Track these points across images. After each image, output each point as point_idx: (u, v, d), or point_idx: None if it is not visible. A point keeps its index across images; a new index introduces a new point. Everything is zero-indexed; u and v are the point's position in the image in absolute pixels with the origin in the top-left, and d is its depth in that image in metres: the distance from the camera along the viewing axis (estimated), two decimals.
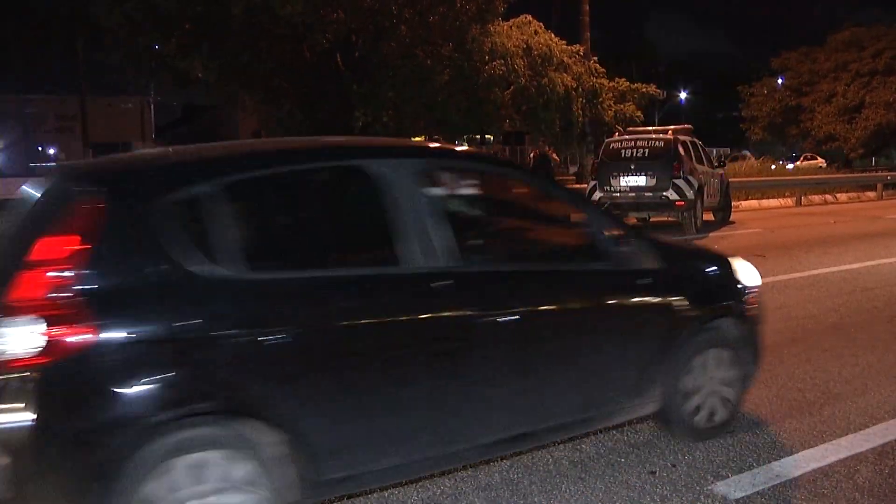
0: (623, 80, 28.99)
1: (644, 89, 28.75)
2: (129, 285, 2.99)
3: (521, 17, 24.42)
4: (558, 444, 4.44)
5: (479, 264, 3.87)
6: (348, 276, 3.50)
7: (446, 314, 3.59)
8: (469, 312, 3.63)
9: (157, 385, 2.93)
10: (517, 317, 3.77)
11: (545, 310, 3.95)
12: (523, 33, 23.51)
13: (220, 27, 17.50)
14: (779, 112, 44.60)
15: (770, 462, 4.16)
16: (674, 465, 4.15)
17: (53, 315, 2.81)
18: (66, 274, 2.87)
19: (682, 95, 52.76)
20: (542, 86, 22.95)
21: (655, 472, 4.07)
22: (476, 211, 4.46)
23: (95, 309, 2.87)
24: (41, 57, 39.84)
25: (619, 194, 15.69)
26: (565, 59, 24.71)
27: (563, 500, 3.78)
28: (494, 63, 20.61)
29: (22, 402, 2.81)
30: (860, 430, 4.61)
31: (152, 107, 45.47)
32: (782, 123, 44.93)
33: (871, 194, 27.16)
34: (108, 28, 17.97)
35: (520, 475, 4.05)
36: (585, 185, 17.71)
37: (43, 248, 2.95)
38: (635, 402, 4.23)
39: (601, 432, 4.58)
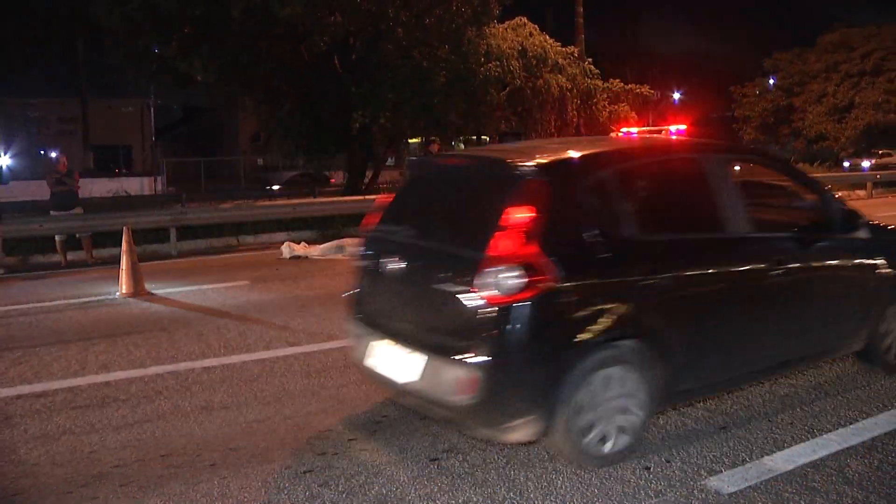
0: (617, 81, 29.05)
1: (638, 90, 28.84)
2: (569, 243, 4.04)
3: (517, 20, 24.43)
4: None
5: (763, 231, 4.98)
6: (698, 238, 4.63)
7: (750, 268, 4.78)
8: (762, 267, 4.78)
9: (592, 316, 4.00)
10: (788, 272, 4.88)
11: (804, 266, 5.04)
12: (518, 35, 23.54)
13: (220, 28, 17.48)
14: (771, 112, 44.83)
15: (762, 457, 4.24)
16: (668, 461, 4.22)
17: (524, 264, 3.82)
18: (529, 234, 3.88)
19: (676, 96, 52.87)
20: (537, 87, 23.00)
21: (650, 468, 4.14)
22: (755, 192, 5.46)
23: (551, 260, 3.87)
24: (42, 59, 39.90)
25: None
26: (560, 60, 24.75)
27: (559, 495, 3.85)
28: (490, 65, 20.63)
29: (500, 330, 3.83)
30: (850, 424, 4.70)
31: (152, 109, 45.47)
32: (774, 123, 45.17)
33: (862, 192, 27.31)
34: (108, 29, 17.94)
35: (516, 471, 4.12)
36: None
37: (510, 215, 3.93)
38: (851, 341, 5.43)
39: None
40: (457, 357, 3.93)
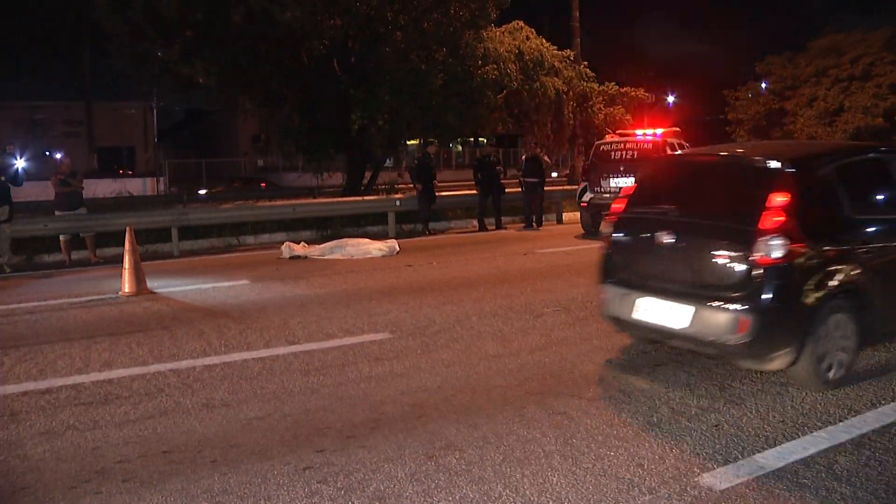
0: (612, 83, 29.23)
1: (633, 93, 29.01)
2: (813, 220, 5.32)
3: (514, 24, 24.52)
4: (550, 437, 4.59)
5: None
6: (889, 217, 5.87)
7: None
8: None
9: (828, 274, 5.29)
10: None
11: None
12: (515, 39, 23.62)
13: (221, 32, 17.51)
14: (763, 115, 45.00)
15: (754, 454, 4.32)
16: (661, 458, 4.29)
17: (786, 235, 5.06)
18: (788, 213, 5.13)
19: (671, 99, 52.94)
20: (533, 89, 23.09)
21: (644, 465, 4.20)
22: None
23: (803, 232, 5.15)
24: (47, 63, 39.98)
25: (609, 195, 15.83)
26: (556, 63, 24.86)
27: (554, 492, 3.91)
28: (487, 67, 20.70)
29: (768, 284, 5.07)
30: (839, 421, 4.79)
31: (155, 111, 45.53)
32: (766, 126, 45.32)
33: None
34: (111, 32, 17.98)
35: (512, 468, 4.18)
36: (576, 186, 17.83)
37: (773, 198, 5.19)
38: None
39: (593, 426, 4.73)
40: (729, 306, 5.17)
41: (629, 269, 6.09)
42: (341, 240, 13.73)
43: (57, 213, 13.58)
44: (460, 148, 49.12)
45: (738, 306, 5.12)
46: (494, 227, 17.41)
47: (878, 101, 38.78)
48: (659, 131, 17.13)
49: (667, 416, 4.96)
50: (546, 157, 19.03)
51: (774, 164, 5.54)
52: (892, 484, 3.92)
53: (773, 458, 4.26)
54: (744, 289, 5.14)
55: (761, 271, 5.08)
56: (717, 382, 5.61)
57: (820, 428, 4.67)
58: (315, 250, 13.19)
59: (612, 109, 27.69)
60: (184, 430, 4.89)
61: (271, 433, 4.80)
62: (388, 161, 25.60)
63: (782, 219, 5.10)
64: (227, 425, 4.97)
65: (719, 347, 5.28)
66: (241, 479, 4.14)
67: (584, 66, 27.02)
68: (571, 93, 25.07)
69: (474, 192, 18.15)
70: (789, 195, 5.20)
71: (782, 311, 5.12)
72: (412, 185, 18.12)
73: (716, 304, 5.25)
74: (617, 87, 29.04)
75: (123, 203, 21.08)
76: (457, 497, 3.88)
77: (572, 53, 26.31)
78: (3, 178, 12.99)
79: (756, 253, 5.09)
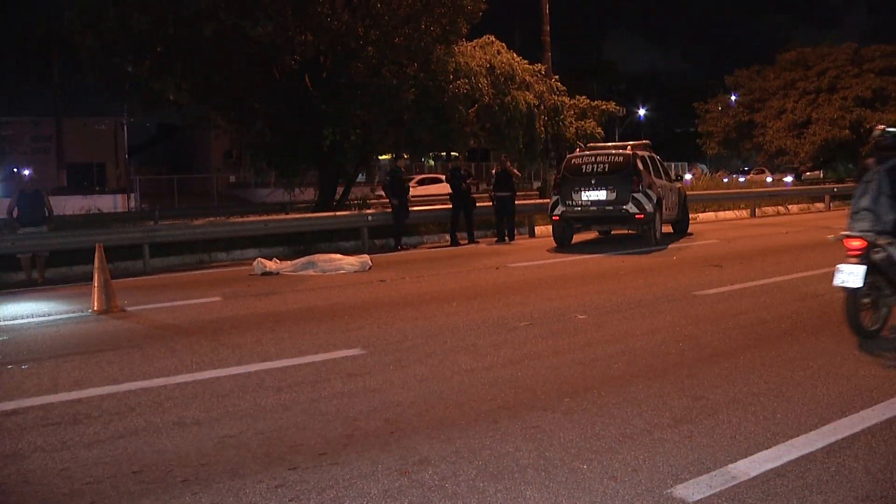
0: (584, 97, 29.46)
1: (604, 106, 29.25)
2: None
3: (484, 38, 24.68)
4: (523, 451, 4.59)
5: None
6: None
7: None
8: None
9: None
10: None
11: None
12: (486, 53, 23.76)
13: (192, 48, 17.47)
14: (733, 127, 45.87)
15: (727, 464, 4.32)
16: (635, 470, 4.28)
17: None
18: None
19: (641, 112, 53.57)
20: (505, 104, 23.18)
21: (617, 477, 4.20)
22: None
23: None
24: (16, 78, 39.69)
25: (580, 208, 15.99)
26: (527, 77, 25.01)
27: None
28: (459, 82, 20.80)
29: None
30: (811, 430, 4.81)
31: (125, 127, 45.22)
32: (736, 138, 46.22)
33: (820, 205, 28.03)
34: (82, 48, 17.83)
35: (486, 483, 4.16)
36: (548, 200, 17.98)
37: None
38: None
39: (567, 439, 4.74)
40: None
41: None
42: (313, 255, 13.71)
43: (20, 230, 13.41)
44: (432, 162, 49.26)
45: None
46: (467, 242, 17.46)
47: (845, 114, 39.71)
48: (629, 144, 17.33)
49: (640, 428, 4.96)
50: (514, 169, 19.13)
51: None
52: (861, 492, 3.96)
53: (745, 468, 4.26)
54: None
55: None
56: (690, 393, 5.64)
57: (792, 437, 4.69)
58: (287, 266, 13.14)
59: (583, 123, 27.89)
60: (155, 450, 4.82)
61: (244, 451, 4.74)
62: (360, 176, 25.60)
63: None
64: (200, 443, 4.91)
65: None
66: (213, 497, 4.08)
67: (556, 80, 27.22)
68: (543, 106, 25.23)
69: (447, 206, 18.19)
70: None
71: None
72: (388, 201, 18.10)
73: None
74: (588, 100, 29.27)
75: (93, 220, 20.86)
76: None
77: (543, 67, 26.51)
78: None
79: None
